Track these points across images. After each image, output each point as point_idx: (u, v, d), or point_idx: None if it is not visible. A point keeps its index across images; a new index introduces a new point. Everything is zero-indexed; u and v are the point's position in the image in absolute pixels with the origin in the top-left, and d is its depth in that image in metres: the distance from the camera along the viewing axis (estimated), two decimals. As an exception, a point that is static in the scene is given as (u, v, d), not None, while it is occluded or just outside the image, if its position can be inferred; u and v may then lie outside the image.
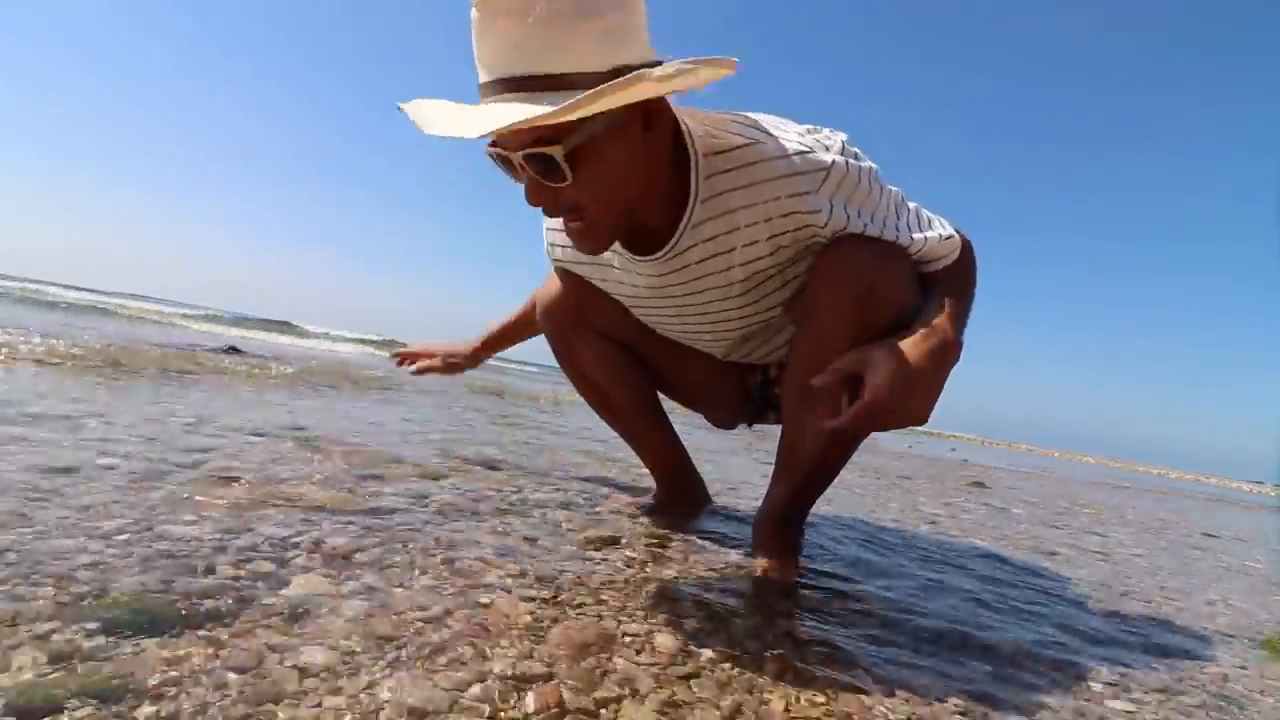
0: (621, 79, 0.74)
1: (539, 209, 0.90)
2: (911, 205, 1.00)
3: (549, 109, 0.71)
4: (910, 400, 0.84)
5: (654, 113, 0.87)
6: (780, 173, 0.91)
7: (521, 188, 0.86)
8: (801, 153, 0.91)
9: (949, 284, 0.99)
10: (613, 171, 0.86)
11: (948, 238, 1.00)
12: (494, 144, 0.83)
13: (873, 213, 0.95)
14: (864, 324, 0.94)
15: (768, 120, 0.96)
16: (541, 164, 0.81)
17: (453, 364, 1.56)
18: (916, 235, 0.97)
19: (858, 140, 0.97)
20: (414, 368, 1.59)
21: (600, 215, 0.89)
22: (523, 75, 0.75)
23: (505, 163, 0.84)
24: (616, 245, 1.04)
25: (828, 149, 0.93)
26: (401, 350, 1.64)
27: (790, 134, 0.94)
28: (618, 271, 1.11)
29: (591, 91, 0.72)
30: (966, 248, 1.05)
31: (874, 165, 0.96)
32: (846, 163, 0.92)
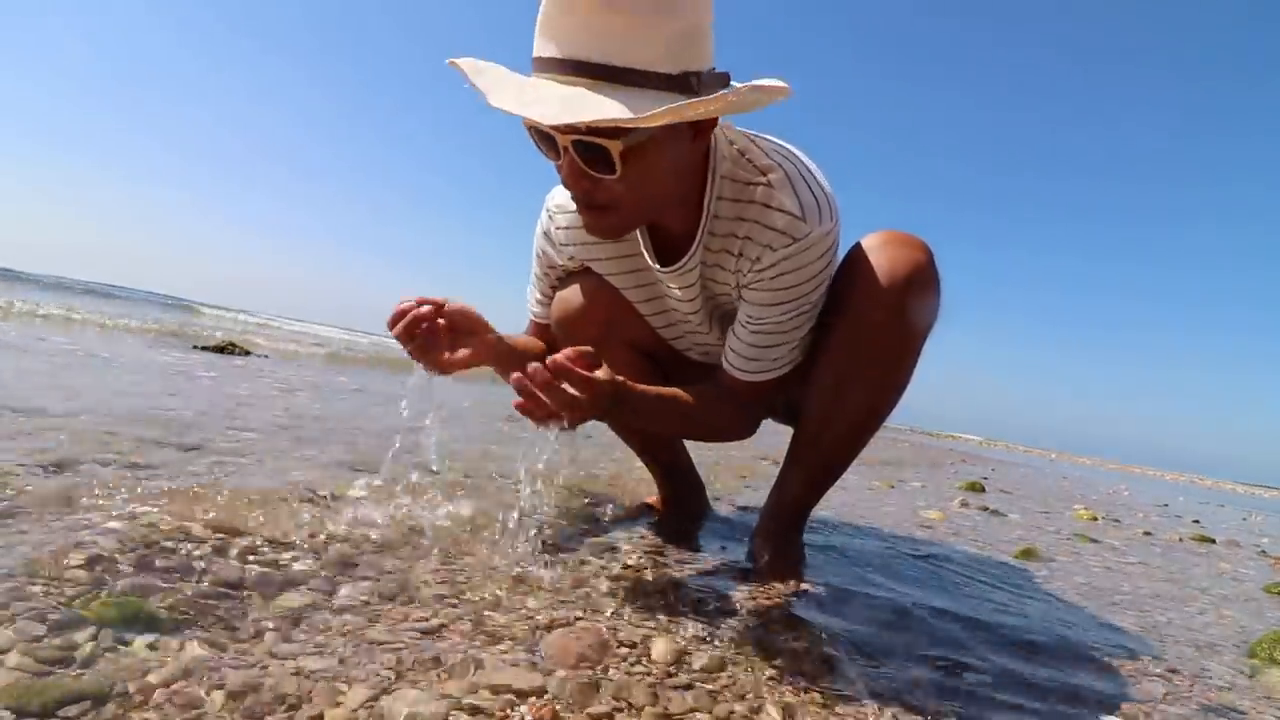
0: (715, 95, 0.77)
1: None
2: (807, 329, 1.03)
3: (621, 109, 0.73)
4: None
5: (705, 126, 0.88)
6: (772, 224, 0.94)
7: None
8: (792, 217, 0.93)
9: (696, 400, 1.04)
10: (656, 173, 0.87)
11: (765, 380, 1.05)
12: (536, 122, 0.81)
13: (790, 301, 0.98)
14: (903, 314, 0.98)
15: (798, 163, 0.97)
16: (593, 154, 0.81)
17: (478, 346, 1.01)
18: (777, 366, 1.03)
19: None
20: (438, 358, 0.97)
21: (632, 213, 0.91)
22: (597, 63, 0.75)
23: (545, 140, 0.84)
24: (645, 249, 1.05)
25: (819, 218, 0.94)
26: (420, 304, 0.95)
27: (802, 183, 0.95)
28: (628, 275, 1.11)
29: (686, 103, 0.74)
30: (736, 414, 1.11)
31: (831, 261, 0.99)
32: (814, 245, 0.94)
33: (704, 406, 1.06)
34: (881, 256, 0.98)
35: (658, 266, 1.04)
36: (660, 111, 0.73)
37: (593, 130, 0.78)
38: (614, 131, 0.78)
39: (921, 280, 0.98)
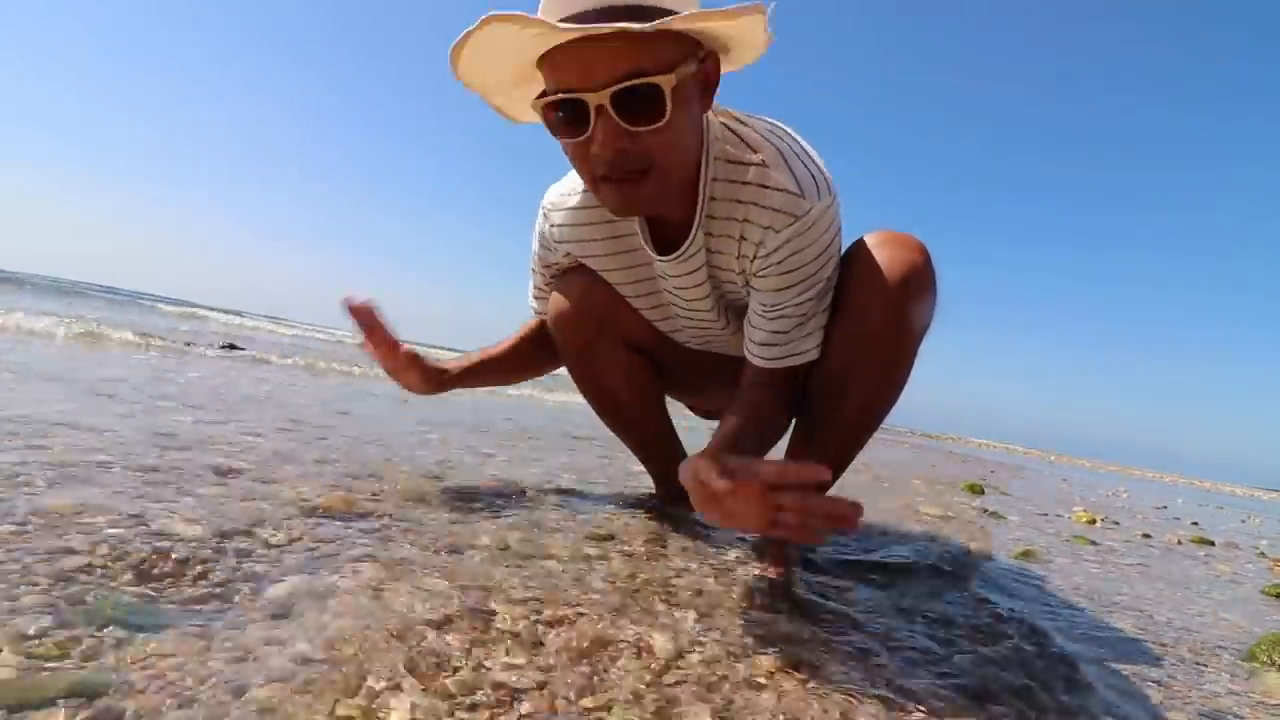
0: (741, 4, 0.76)
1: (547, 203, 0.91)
2: (826, 301, 1.01)
3: (643, 25, 0.71)
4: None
5: (711, 84, 0.87)
6: (761, 201, 0.93)
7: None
8: (791, 194, 0.92)
9: (756, 421, 1.00)
10: (687, 129, 0.86)
11: (800, 355, 1.02)
12: (561, 91, 0.79)
13: (800, 282, 0.96)
14: (901, 314, 0.97)
15: (790, 140, 0.96)
16: (638, 101, 0.78)
17: (410, 369, 1.16)
18: (805, 345, 1.01)
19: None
20: (365, 340, 1.12)
21: (665, 176, 0.86)
22: (631, 5, 0.75)
23: (571, 110, 0.80)
24: (640, 239, 1.04)
25: (819, 194, 0.93)
26: (367, 306, 1.09)
27: (798, 162, 0.94)
28: (625, 271, 1.11)
29: (735, 7, 0.74)
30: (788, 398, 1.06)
31: (835, 236, 0.97)
32: (815, 222, 0.93)
33: (762, 417, 1.02)
34: (878, 257, 0.98)
35: (658, 256, 1.03)
36: (732, 9, 0.73)
37: (635, 75, 0.76)
38: (668, 65, 0.77)
39: (918, 281, 0.98)
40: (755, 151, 0.94)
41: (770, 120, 0.99)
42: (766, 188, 0.93)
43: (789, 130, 0.98)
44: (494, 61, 0.82)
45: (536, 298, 1.27)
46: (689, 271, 1.03)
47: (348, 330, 1.12)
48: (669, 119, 0.79)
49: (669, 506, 1.42)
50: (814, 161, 0.95)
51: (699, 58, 0.83)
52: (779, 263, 0.95)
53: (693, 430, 1.49)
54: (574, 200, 1.08)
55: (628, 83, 0.76)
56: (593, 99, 0.77)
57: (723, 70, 0.89)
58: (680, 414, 1.46)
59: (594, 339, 1.19)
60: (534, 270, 1.25)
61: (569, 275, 1.17)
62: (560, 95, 0.79)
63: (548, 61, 0.81)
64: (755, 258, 0.97)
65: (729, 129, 0.96)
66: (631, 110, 0.78)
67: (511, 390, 4.20)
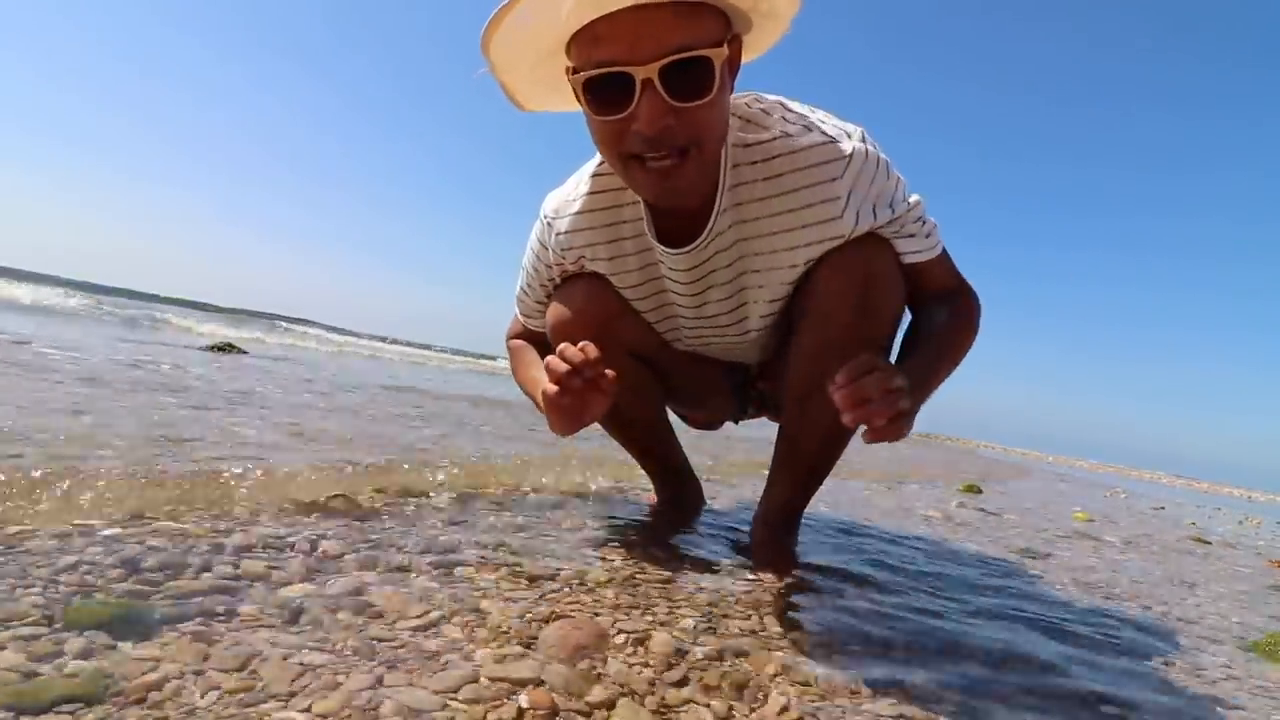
0: None
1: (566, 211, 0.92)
2: (914, 199, 0.98)
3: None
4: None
5: (736, 68, 0.86)
6: (801, 165, 0.90)
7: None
8: (824, 143, 0.90)
9: (942, 345, 0.99)
10: (726, 105, 0.84)
11: (936, 253, 1.00)
12: (603, 65, 0.76)
13: (890, 200, 0.94)
14: (867, 315, 0.96)
15: (795, 106, 0.94)
16: (687, 75, 0.76)
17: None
18: (916, 234, 0.98)
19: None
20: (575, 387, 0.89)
21: (705, 155, 0.84)
22: None
23: (614, 85, 0.77)
24: (644, 239, 1.01)
25: (849, 136, 0.92)
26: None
27: (814, 120, 0.93)
28: (635, 273, 1.08)
29: None
30: (972, 309, 1.04)
31: (887, 159, 0.94)
32: (866, 151, 0.91)
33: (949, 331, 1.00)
34: (845, 257, 0.95)
35: (670, 249, 0.99)
36: None
37: (691, 45, 0.75)
38: (716, 40, 0.77)
39: (883, 277, 0.96)
40: (768, 130, 0.91)
41: (767, 96, 0.96)
42: (797, 151, 0.90)
43: (787, 101, 0.96)
44: (531, 34, 0.79)
45: (529, 314, 1.21)
46: (701, 262, 0.99)
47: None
48: (715, 94, 0.78)
49: (668, 508, 1.42)
50: (826, 119, 0.94)
51: (729, 39, 0.81)
52: (863, 198, 0.92)
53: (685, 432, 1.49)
54: (578, 205, 1.04)
55: (679, 55, 0.74)
56: (640, 72, 0.74)
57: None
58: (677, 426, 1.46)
59: (597, 346, 1.15)
60: (528, 285, 1.19)
61: (570, 284, 1.12)
62: (603, 69, 0.76)
63: (586, 36, 0.77)
64: (834, 208, 0.92)
65: (735, 114, 0.93)
66: (679, 85, 0.76)
67: (510, 392, 4.20)
